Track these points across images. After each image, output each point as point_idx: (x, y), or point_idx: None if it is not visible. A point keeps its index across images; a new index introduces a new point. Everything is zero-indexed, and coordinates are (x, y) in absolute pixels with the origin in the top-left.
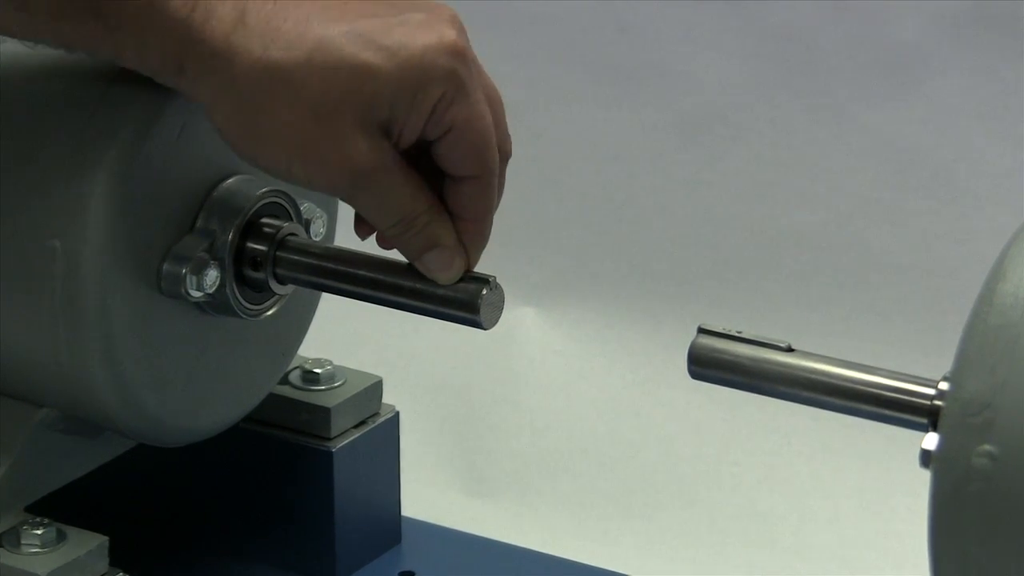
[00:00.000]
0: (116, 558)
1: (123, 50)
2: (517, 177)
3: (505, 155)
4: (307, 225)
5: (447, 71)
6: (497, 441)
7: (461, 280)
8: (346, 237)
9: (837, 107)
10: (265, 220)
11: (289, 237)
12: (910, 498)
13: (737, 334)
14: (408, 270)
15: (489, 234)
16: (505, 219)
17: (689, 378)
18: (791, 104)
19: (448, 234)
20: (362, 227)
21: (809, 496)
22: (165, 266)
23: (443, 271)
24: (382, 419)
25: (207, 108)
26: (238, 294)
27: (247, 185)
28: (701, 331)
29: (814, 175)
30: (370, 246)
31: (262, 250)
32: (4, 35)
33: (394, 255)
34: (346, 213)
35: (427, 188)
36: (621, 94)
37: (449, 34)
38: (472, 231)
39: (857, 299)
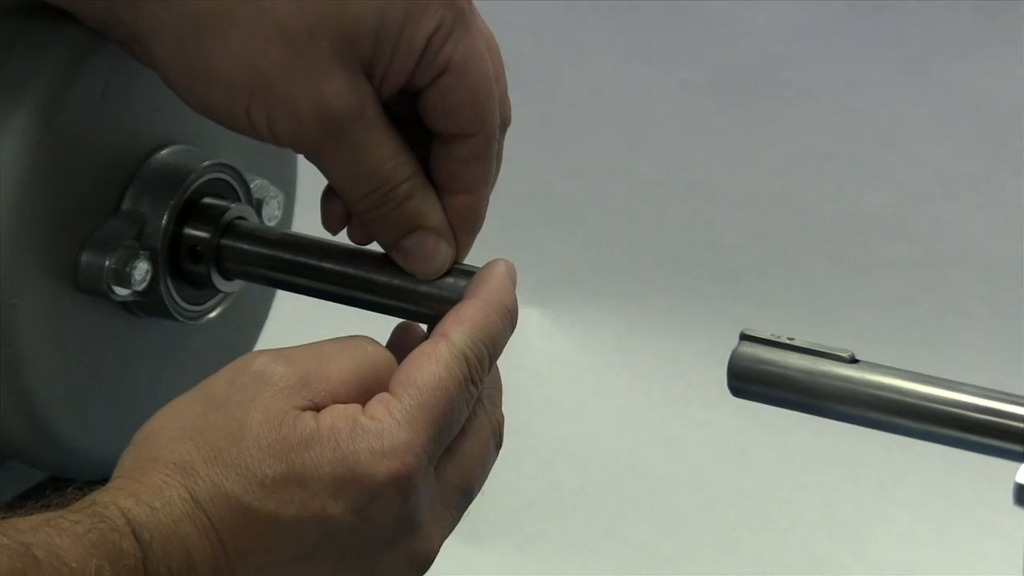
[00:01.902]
0: None
1: None
2: (517, 149)
3: (504, 121)
4: (259, 206)
5: None
6: (493, 473)
7: (448, 274)
8: (308, 222)
9: (918, 59)
10: (207, 200)
11: (237, 221)
12: (1002, 543)
13: (788, 341)
14: (384, 262)
15: (484, 216)
16: (502, 200)
17: (729, 395)
18: (861, 57)
19: (434, 213)
20: (332, 214)
21: (878, 541)
22: (83, 256)
23: (426, 261)
24: None
25: (144, 39)
26: (174, 292)
27: (185, 157)
28: (744, 337)
29: (886, 145)
30: (338, 235)
31: (203, 237)
32: None
33: (370, 246)
34: (309, 192)
35: (412, 153)
36: (646, 45)
37: None
38: (464, 210)
39: (936, 298)
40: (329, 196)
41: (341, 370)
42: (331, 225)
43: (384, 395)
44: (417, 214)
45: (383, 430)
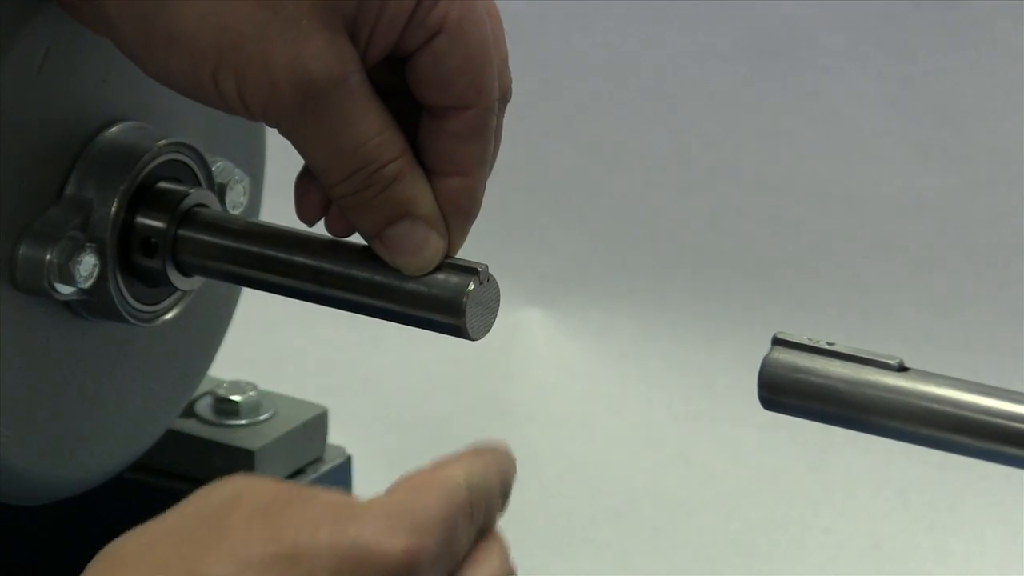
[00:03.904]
0: None
1: None
2: (519, 126)
3: (504, 95)
4: (221, 192)
5: None
6: None
7: (439, 270)
8: (278, 210)
9: (980, 24)
10: (163, 185)
11: (196, 209)
12: None
13: (828, 347)
14: (365, 255)
15: (480, 202)
16: (500, 184)
17: (761, 408)
18: (912, 20)
19: (424, 198)
20: (308, 201)
21: None
22: (20, 249)
23: (414, 254)
24: (327, 466)
25: None
26: (124, 290)
27: (138, 135)
28: (777, 342)
29: (942, 121)
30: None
31: (158, 227)
32: None
33: (351, 238)
34: (279, 177)
35: (400, 129)
36: (664, 6)
37: None
38: (458, 194)
39: (998, 298)
40: (304, 181)
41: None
42: (306, 214)
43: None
44: (405, 199)
45: (388, 509)
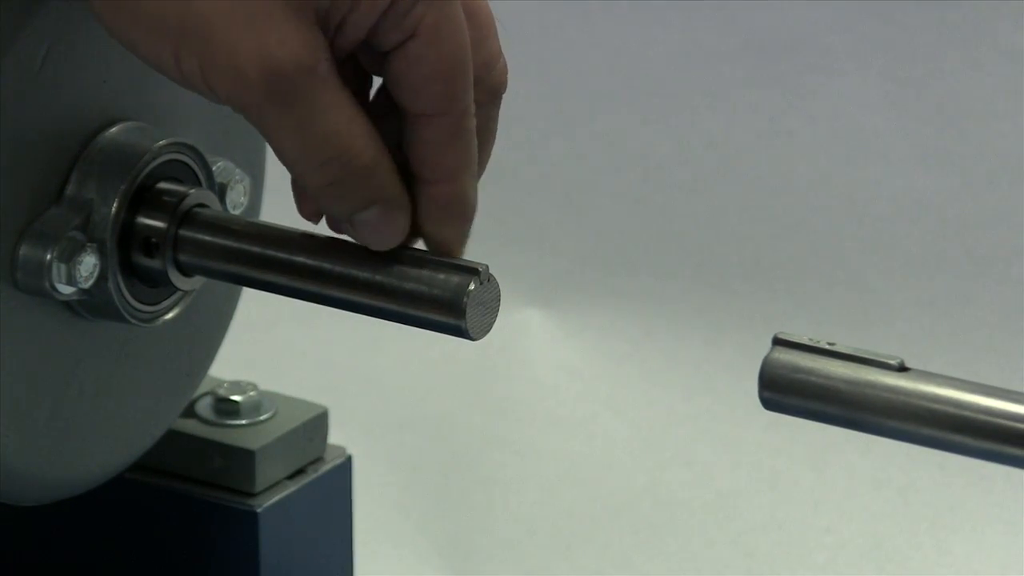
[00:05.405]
0: None
1: None
2: (517, 125)
3: (497, 88)
4: (222, 192)
5: None
6: (490, 499)
7: (439, 271)
8: (278, 210)
9: (982, 23)
10: (163, 185)
11: (197, 209)
12: None
13: (828, 347)
14: (366, 255)
15: (474, 204)
16: (498, 184)
17: (761, 409)
18: (915, 20)
19: (393, 183)
20: (307, 199)
21: None
22: (22, 249)
23: (383, 235)
24: (328, 466)
25: None
26: (125, 290)
27: (138, 136)
28: (778, 342)
29: (944, 122)
30: (312, 225)
31: (159, 227)
32: None
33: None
34: (279, 177)
35: (368, 120)
36: (667, 5)
37: None
38: (447, 200)
39: (999, 297)
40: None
41: None
42: (308, 212)
43: None
44: (377, 187)
45: None
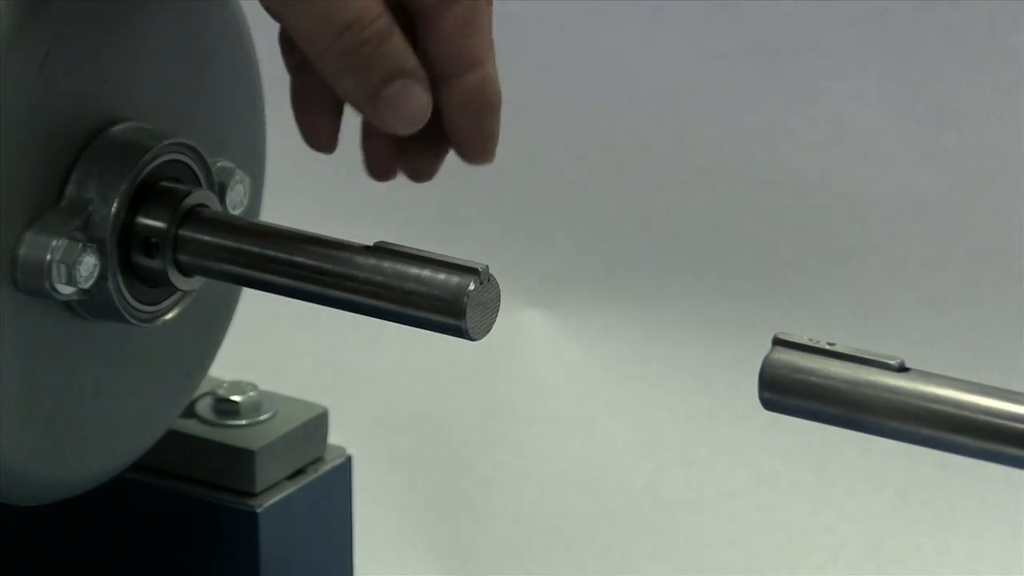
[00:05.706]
0: None
1: None
2: (517, 125)
3: None
4: (222, 192)
5: None
6: (490, 500)
7: (441, 271)
8: (278, 210)
9: (982, 24)
10: (164, 185)
11: (198, 209)
12: None
13: (828, 347)
14: (366, 255)
15: (500, 92)
16: (500, 188)
17: (762, 409)
18: (915, 21)
19: (411, 56)
20: (376, 151)
21: None
22: (21, 249)
23: (411, 112)
24: (327, 466)
25: None
26: (124, 290)
27: (138, 135)
28: (778, 343)
29: (944, 123)
30: (313, 225)
31: (159, 227)
32: None
33: (348, 236)
34: (278, 177)
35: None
36: (666, 6)
37: None
38: (479, 87)
39: (1000, 297)
40: (370, 132)
41: None
42: (379, 169)
43: None
44: (397, 55)
45: None
